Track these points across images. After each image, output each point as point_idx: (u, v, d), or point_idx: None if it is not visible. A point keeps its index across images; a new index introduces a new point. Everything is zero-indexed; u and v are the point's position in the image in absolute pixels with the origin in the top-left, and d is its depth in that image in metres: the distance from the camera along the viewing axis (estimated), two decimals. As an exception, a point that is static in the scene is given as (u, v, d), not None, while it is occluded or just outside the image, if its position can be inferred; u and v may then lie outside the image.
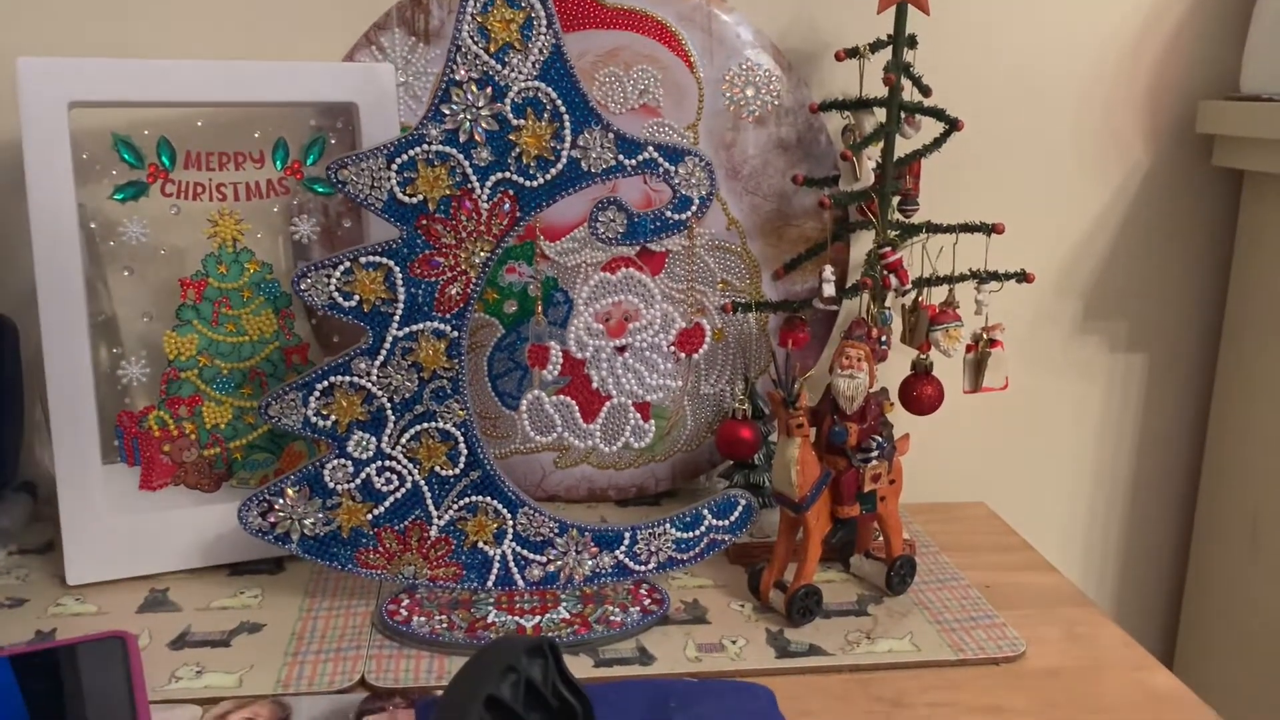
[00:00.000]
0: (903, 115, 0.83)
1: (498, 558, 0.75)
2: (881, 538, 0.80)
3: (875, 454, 0.75)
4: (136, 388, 0.81)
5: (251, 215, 0.82)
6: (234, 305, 0.81)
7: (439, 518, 0.74)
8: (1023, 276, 0.85)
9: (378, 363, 0.71)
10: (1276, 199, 0.95)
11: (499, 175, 0.69)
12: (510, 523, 0.74)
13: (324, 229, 0.85)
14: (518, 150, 0.69)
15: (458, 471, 0.73)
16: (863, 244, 0.91)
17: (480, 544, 0.75)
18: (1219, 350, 1.04)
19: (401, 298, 0.70)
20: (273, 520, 0.73)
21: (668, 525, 0.76)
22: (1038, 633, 0.76)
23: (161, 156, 0.79)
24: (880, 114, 0.83)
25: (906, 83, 0.83)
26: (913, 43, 0.84)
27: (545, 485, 0.94)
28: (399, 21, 0.86)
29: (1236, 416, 1.01)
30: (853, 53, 0.83)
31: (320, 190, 0.83)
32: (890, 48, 0.82)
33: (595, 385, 0.74)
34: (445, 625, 0.72)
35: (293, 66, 0.79)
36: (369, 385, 0.71)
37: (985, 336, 0.86)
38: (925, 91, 0.84)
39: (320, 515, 0.73)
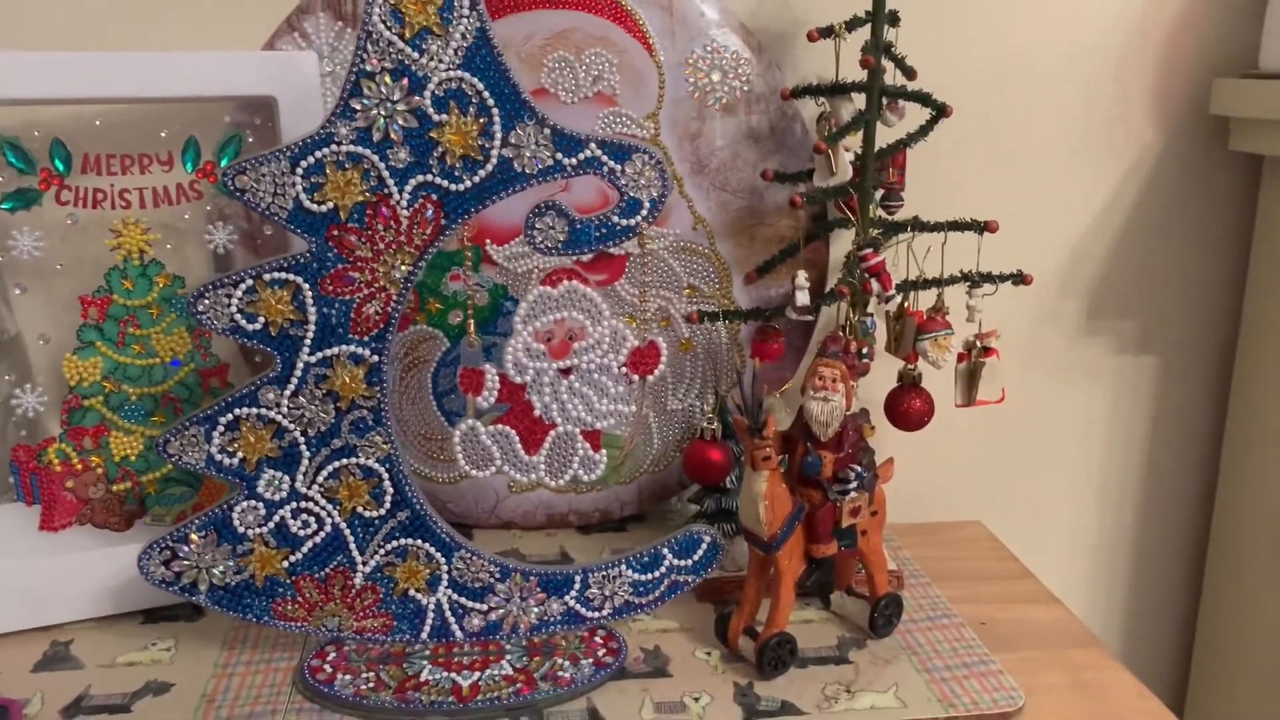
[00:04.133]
0: (884, 101, 0.75)
1: (432, 606, 0.67)
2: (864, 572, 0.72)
3: (854, 485, 0.67)
4: (34, 418, 0.73)
5: (160, 224, 0.74)
6: (142, 324, 0.73)
7: (364, 564, 0.66)
8: (1019, 278, 0.77)
9: (288, 392, 0.63)
10: (1300, 186, 0.86)
11: (420, 178, 0.61)
12: (445, 567, 0.66)
13: (246, 235, 0.77)
14: (441, 150, 0.61)
15: (383, 512, 0.65)
16: (843, 242, 0.83)
17: (412, 591, 0.67)
18: (1236, 351, 0.95)
19: (312, 319, 0.62)
20: (177, 569, 0.65)
21: (623, 567, 0.68)
22: (1039, 680, 0.69)
23: (55, 160, 0.71)
24: (859, 100, 0.75)
25: (888, 64, 0.75)
26: (894, 19, 0.75)
27: (499, 511, 0.86)
28: (324, 5, 0.77)
29: (1256, 425, 0.92)
30: (827, 32, 0.74)
31: (236, 194, 0.75)
32: (869, 25, 0.74)
33: (538, 412, 0.66)
34: (372, 685, 0.64)
35: (204, 57, 0.71)
36: (279, 418, 0.63)
37: (979, 345, 0.78)
38: (909, 74, 0.76)
39: (230, 563, 0.65)
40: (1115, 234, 0.93)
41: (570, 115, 0.79)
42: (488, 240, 0.80)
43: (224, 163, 0.74)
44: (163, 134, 0.73)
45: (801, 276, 0.75)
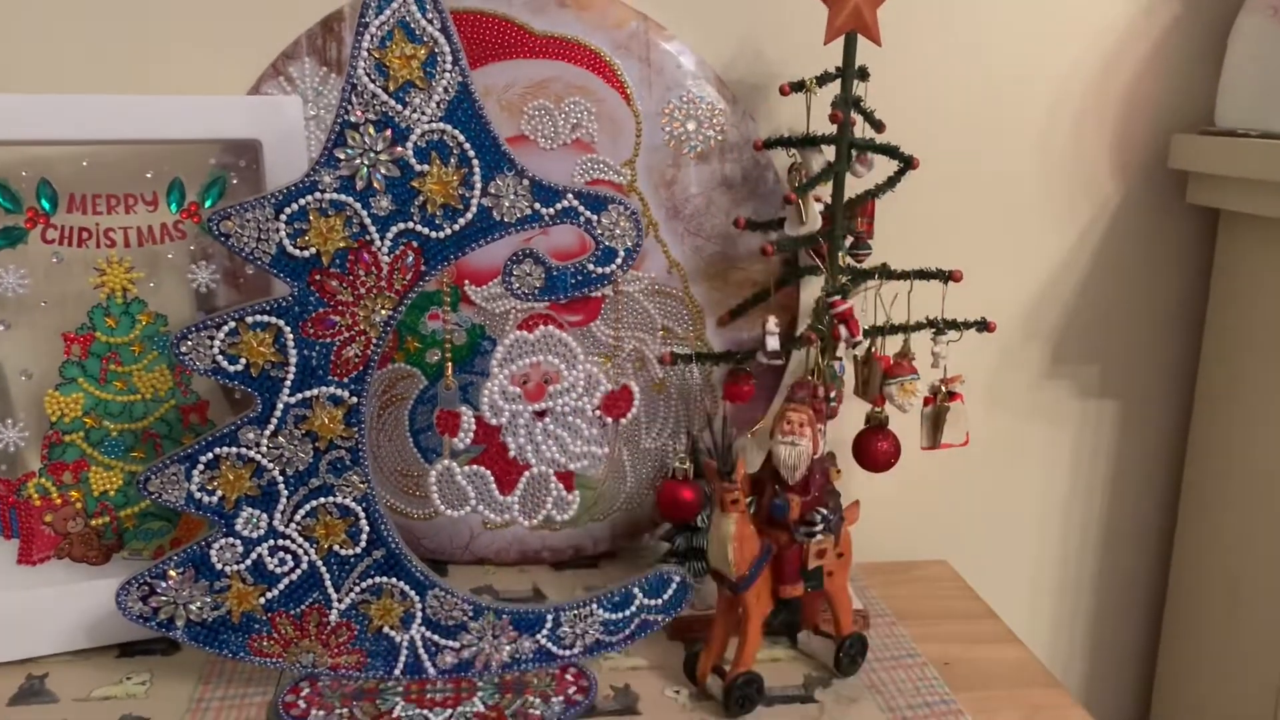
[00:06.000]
0: (853, 153, 0.77)
1: (405, 644, 0.68)
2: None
3: (820, 528, 0.68)
4: (14, 453, 0.74)
5: (144, 263, 0.75)
6: (124, 361, 0.74)
7: (339, 601, 0.67)
8: (984, 325, 0.79)
9: (268, 432, 0.64)
10: (1252, 239, 0.89)
11: (401, 226, 0.63)
12: (419, 605, 0.68)
13: (229, 274, 0.79)
14: (422, 198, 0.63)
15: (359, 550, 0.67)
16: (814, 287, 0.85)
17: (386, 629, 0.68)
18: (1194, 396, 0.98)
19: (293, 361, 0.64)
20: (155, 605, 0.66)
21: (594, 606, 0.69)
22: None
23: (41, 200, 0.73)
24: (829, 152, 0.77)
25: (857, 118, 0.77)
26: (864, 75, 0.77)
27: (473, 548, 0.87)
28: (309, 50, 0.79)
29: (1213, 466, 0.95)
30: (799, 86, 0.77)
31: (220, 235, 0.76)
32: (839, 80, 0.76)
33: (512, 454, 0.67)
34: (345, 721, 0.65)
35: (189, 101, 0.73)
36: (258, 457, 0.64)
37: (944, 389, 0.80)
38: (878, 127, 0.78)
39: (207, 599, 0.66)
40: (1077, 282, 0.96)
41: (549, 161, 0.81)
42: (466, 281, 0.81)
43: (208, 204, 0.76)
44: (148, 175, 0.74)
45: (772, 322, 0.77)
